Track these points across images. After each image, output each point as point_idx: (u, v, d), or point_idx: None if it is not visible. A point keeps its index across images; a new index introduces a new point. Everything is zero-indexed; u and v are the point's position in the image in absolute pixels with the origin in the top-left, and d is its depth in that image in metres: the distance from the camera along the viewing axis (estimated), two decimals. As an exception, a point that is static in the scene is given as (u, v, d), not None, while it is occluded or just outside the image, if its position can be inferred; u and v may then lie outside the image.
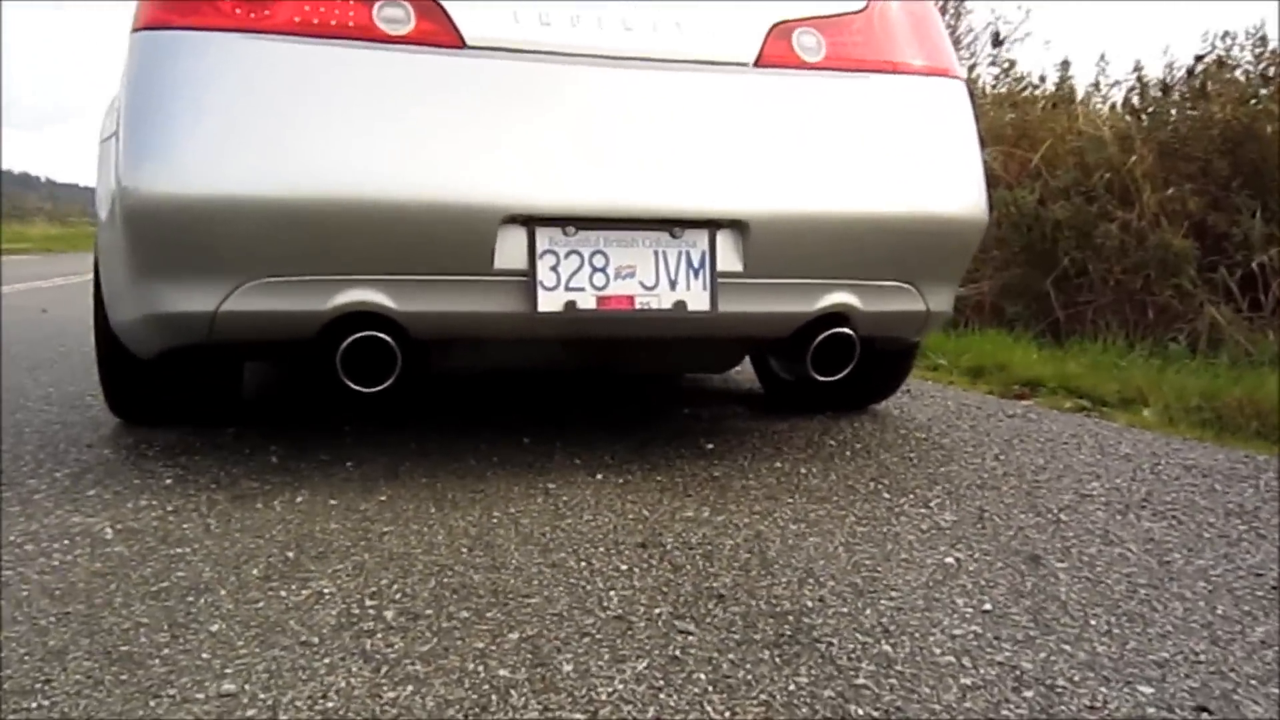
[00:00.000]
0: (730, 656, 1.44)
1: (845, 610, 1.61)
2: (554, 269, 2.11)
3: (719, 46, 2.23)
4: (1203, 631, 1.55)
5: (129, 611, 1.56)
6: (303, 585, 1.67)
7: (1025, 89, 6.17)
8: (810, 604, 1.63)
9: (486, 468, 2.39)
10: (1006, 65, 6.45)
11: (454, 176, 2.05)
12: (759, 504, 2.15)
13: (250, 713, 1.27)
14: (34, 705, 1.29)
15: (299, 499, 2.13)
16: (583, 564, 1.79)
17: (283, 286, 2.05)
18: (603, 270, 2.14)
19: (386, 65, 2.04)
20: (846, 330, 2.37)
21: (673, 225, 2.17)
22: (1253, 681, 1.40)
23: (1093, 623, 1.58)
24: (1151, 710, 1.32)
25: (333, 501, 2.12)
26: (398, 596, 1.63)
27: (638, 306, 2.16)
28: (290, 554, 1.81)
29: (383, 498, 2.15)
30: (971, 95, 2.51)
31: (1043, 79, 6.11)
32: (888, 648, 1.47)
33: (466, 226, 2.06)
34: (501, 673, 1.38)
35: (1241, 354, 4.08)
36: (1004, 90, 6.34)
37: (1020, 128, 5.70)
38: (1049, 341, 4.77)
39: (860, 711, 1.30)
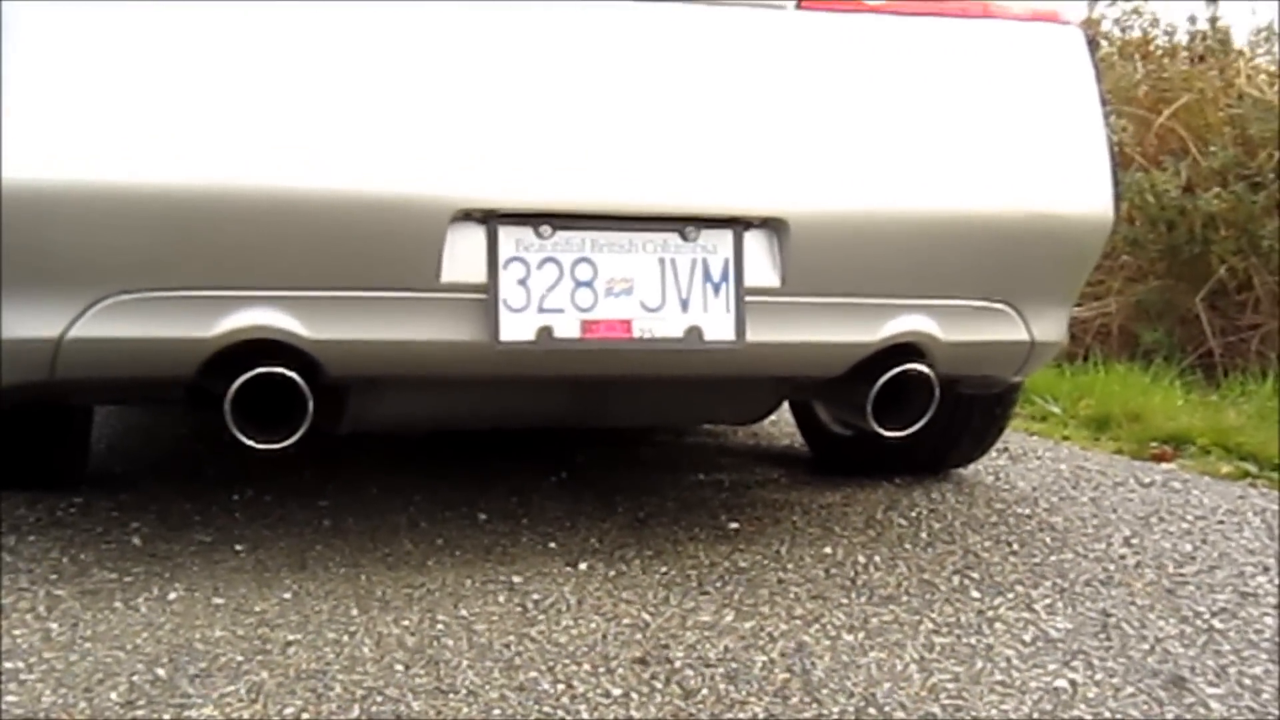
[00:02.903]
0: (762, 815, 1.46)
1: (919, 752, 1.63)
2: (523, 283, 2.15)
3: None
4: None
5: (-59, 750, 1.58)
6: (179, 715, 1.69)
7: (1162, 35, 6.22)
8: (871, 743, 1.65)
9: (428, 553, 2.41)
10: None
11: (386, 157, 2.08)
12: (801, 606, 2.17)
13: None
14: None
15: (172, 596, 2.15)
16: (560, 686, 1.81)
17: (153, 305, 2.08)
18: (589, 285, 2.17)
19: (292, 11, 2.08)
20: (921, 367, 2.40)
21: (685, 224, 2.21)
22: None
23: (1256, 770, 1.60)
24: None
25: (218, 600, 2.13)
26: (309, 731, 1.65)
27: (637, 334, 2.19)
28: (161, 671, 1.83)
29: (286, 595, 2.17)
30: (1092, 46, 2.56)
31: (1192, 19, 6.16)
32: (977, 804, 1.50)
33: (403, 225, 2.09)
34: (451, 836, 1.40)
35: None
36: (1134, 36, 6.40)
37: (1156, 86, 5.75)
38: (1200, 380, 4.79)
39: None
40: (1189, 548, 2.58)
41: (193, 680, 1.80)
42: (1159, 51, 6.13)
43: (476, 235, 2.14)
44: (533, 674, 1.85)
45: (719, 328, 2.22)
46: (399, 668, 1.86)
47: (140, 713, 1.69)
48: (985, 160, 2.34)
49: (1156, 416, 3.97)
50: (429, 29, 2.13)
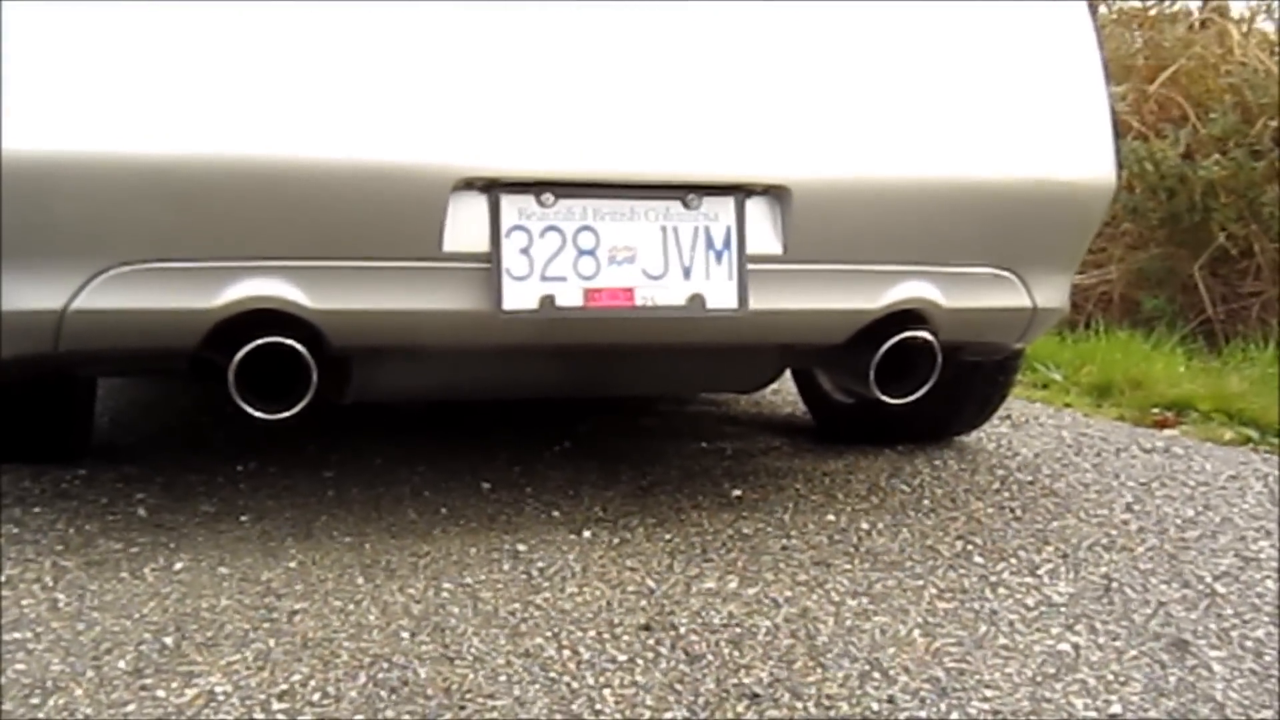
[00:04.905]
0: (768, 778, 1.47)
1: (923, 715, 1.63)
2: (525, 252, 2.14)
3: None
4: None
5: (-49, 719, 1.59)
6: (186, 683, 1.70)
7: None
8: (876, 706, 1.66)
9: (433, 522, 2.42)
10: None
11: (388, 126, 2.08)
12: (805, 572, 2.18)
13: None
14: None
15: (178, 565, 2.15)
16: (566, 653, 1.82)
17: (156, 276, 2.08)
18: (591, 253, 2.17)
19: None
20: (923, 334, 2.40)
21: (686, 191, 2.20)
22: None
23: (1259, 732, 1.61)
24: None
25: (223, 569, 2.14)
26: (316, 698, 1.66)
27: (639, 302, 2.19)
28: (168, 640, 1.83)
29: (292, 564, 2.17)
30: (1093, 12, 2.55)
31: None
32: (982, 766, 1.50)
33: (405, 194, 2.09)
34: (459, 801, 1.41)
35: None
36: (1132, 5, 6.38)
37: (1156, 55, 5.74)
38: (1201, 347, 4.80)
39: None
40: (1191, 513, 2.59)
41: (200, 649, 1.81)
42: (1157, 16, 6.11)
43: (479, 204, 2.13)
44: (538, 640, 1.86)
45: (721, 295, 2.22)
46: (405, 635, 1.87)
47: (148, 681, 1.70)
48: (988, 126, 2.33)
49: (1158, 383, 3.97)
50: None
